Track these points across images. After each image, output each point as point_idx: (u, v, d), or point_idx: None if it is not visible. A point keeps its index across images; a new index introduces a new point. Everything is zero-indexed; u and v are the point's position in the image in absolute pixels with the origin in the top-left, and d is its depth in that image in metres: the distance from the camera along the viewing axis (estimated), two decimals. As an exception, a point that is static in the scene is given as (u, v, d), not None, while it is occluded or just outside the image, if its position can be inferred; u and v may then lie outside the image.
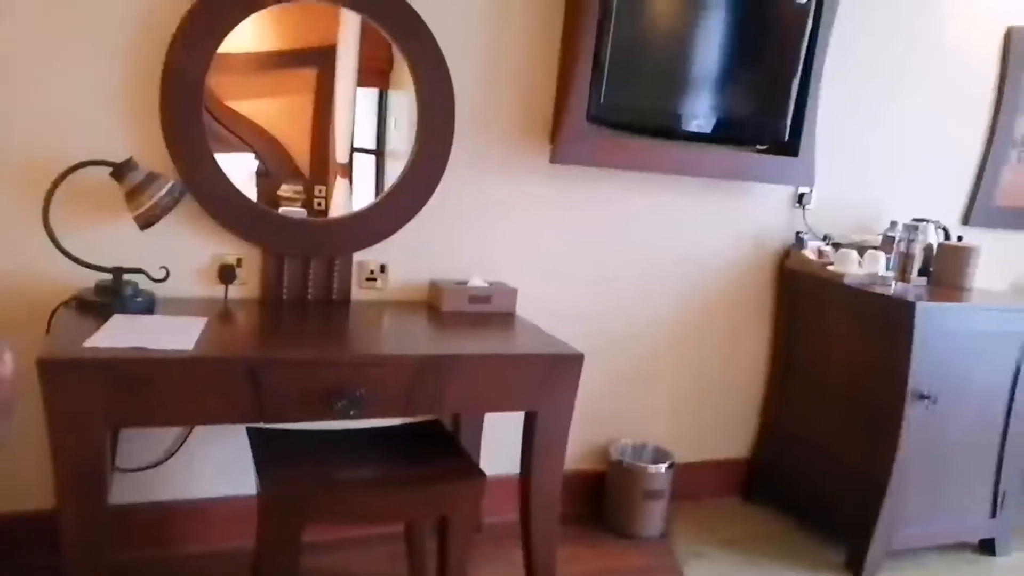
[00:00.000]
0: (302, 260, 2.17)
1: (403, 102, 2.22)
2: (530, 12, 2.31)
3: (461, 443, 2.15)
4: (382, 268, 2.30)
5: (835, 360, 2.64)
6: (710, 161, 2.55)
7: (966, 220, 3.17)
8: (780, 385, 2.88)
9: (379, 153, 2.27)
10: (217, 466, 2.26)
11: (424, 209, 2.27)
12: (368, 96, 2.22)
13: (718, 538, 2.66)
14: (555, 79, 2.38)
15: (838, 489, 2.61)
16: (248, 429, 1.94)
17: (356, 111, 2.20)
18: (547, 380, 1.91)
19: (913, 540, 2.56)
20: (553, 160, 2.35)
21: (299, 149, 2.17)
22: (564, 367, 1.92)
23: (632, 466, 2.58)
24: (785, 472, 2.84)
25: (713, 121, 2.50)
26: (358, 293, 2.27)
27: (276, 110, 2.12)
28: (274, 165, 2.15)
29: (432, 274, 2.35)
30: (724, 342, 2.85)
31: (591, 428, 2.69)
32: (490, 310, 2.28)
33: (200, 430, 2.21)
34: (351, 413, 1.71)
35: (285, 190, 2.16)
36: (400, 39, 2.15)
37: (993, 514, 2.69)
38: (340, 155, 2.21)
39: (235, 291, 2.14)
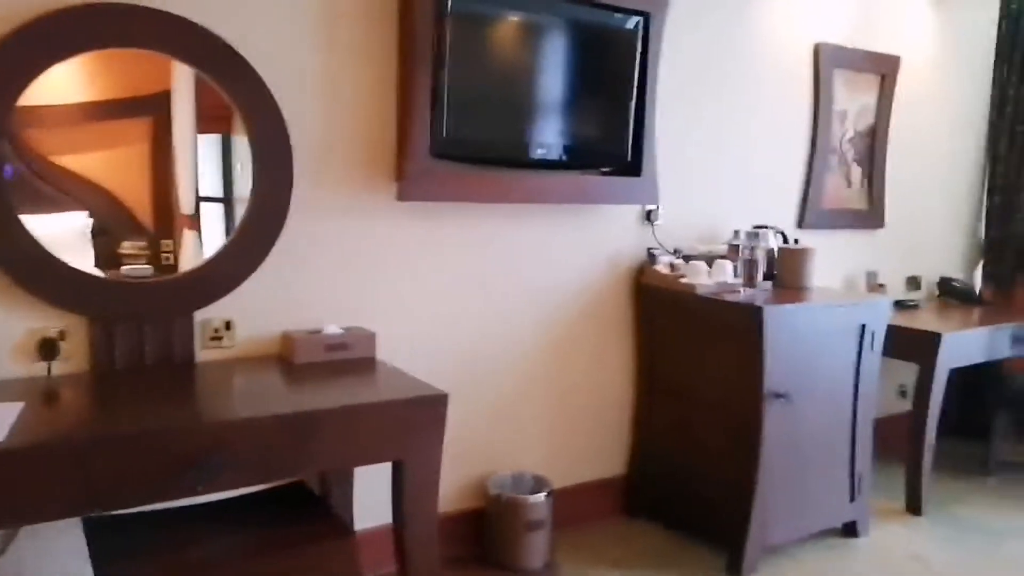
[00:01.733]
0: (135, 325, 2.00)
1: (248, 147, 2.10)
2: (363, 49, 2.26)
3: (329, 502, 2.04)
4: (227, 325, 2.15)
5: (695, 370, 2.72)
6: (558, 187, 2.58)
7: (800, 223, 3.38)
8: (648, 400, 2.94)
9: (227, 201, 2.14)
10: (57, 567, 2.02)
11: (268, 258, 2.16)
12: (210, 142, 2.11)
13: (604, 559, 2.66)
14: (395, 116, 2.33)
15: (712, 495, 2.67)
16: (84, 521, 1.74)
17: (198, 159, 2.08)
18: (412, 425, 1.84)
19: (784, 534, 2.66)
20: (400, 198, 2.30)
21: (139, 203, 2.02)
22: (429, 409, 1.86)
23: (511, 499, 2.53)
24: (662, 485, 2.89)
25: (558, 148, 2.54)
26: (203, 354, 2.12)
27: (110, 163, 1.97)
28: (111, 222, 1.98)
29: (283, 325, 2.23)
30: (590, 363, 2.87)
31: (466, 465, 2.63)
32: (348, 357, 2.19)
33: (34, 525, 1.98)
34: (199, 489, 1.58)
35: (127, 247, 2.00)
36: (225, 84, 2.04)
37: (852, 498, 2.84)
38: (185, 206, 2.07)
39: (60, 367, 1.94)
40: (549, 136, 2.52)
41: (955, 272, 4.11)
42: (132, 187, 2.00)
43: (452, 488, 2.58)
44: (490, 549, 2.58)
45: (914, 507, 3.10)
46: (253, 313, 2.19)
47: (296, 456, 1.70)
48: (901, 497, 3.14)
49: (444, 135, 2.30)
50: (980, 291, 4.03)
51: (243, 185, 2.13)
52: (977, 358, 3.21)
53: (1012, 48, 3.93)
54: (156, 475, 1.55)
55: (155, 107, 2.01)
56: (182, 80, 2.02)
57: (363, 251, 2.35)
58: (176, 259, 2.05)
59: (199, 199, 2.09)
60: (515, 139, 2.46)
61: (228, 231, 2.13)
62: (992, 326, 3.24)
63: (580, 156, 2.63)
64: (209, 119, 2.08)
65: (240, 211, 2.13)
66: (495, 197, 2.48)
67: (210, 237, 2.10)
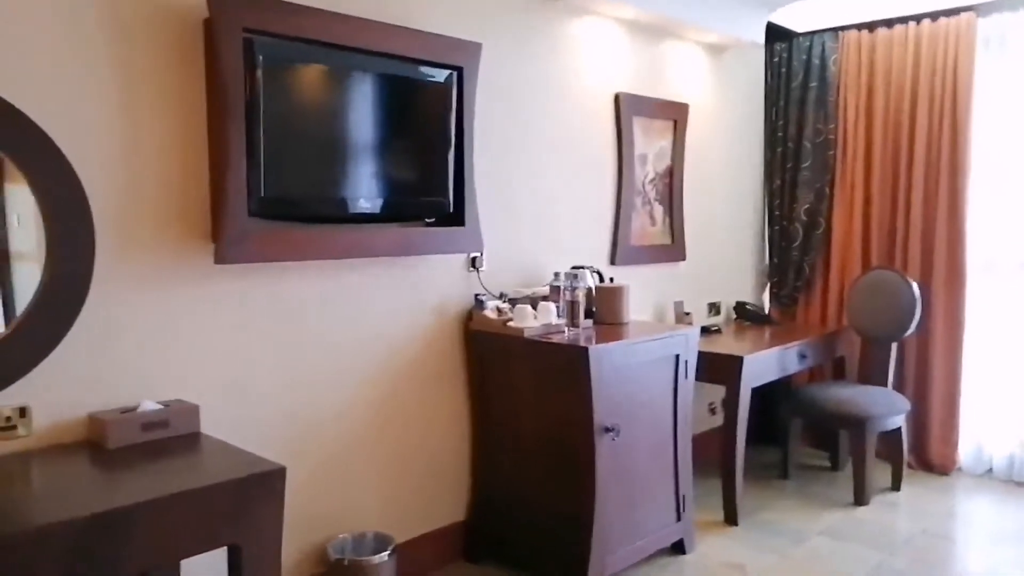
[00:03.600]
0: (-94, 424, 1.74)
1: (26, 197, 1.90)
2: (169, 105, 2.14)
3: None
4: (22, 412, 1.93)
5: (527, 411, 2.79)
6: (382, 240, 2.57)
7: (613, 260, 3.59)
8: (484, 443, 2.97)
9: (2, 257, 1.92)
10: None
11: (70, 334, 1.96)
12: None
13: (451, 610, 2.65)
14: (208, 174, 2.22)
15: (550, 532, 2.74)
16: None
17: None
18: (247, 505, 1.73)
19: (621, 561, 2.78)
20: (218, 260, 2.18)
21: None
22: (265, 485, 1.77)
23: (354, 562, 2.46)
24: (502, 527, 2.92)
25: (380, 201, 2.53)
26: (-6, 448, 1.88)
27: None
28: None
29: (91, 406, 2.04)
30: (424, 413, 2.86)
31: (304, 531, 2.52)
32: (170, 435, 2.03)
33: None
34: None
35: None
36: (12, 151, 1.85)
37: (679, 517, 3.03)
38: None
39: None
40: (369, 190, 2.51)
41: (748, 295, 4.54)
42: None
43: (291, 556, 2.46)
44: (334, 618, 2.48)
45: (731, 518, 3.36)
46: (54, 396, 1.98)
47: (112, 560, 1.54)
48: (718, 508, 3.40)
49: (262, 193, 2.23)
50: (769, 311, 4.48)
51: (21, 240, 1.92)
52: (773, 375, 3.55)
53: (777, 95, 4.44)
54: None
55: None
56: None
57: (180, 318, 2.20)
58: None
59: None
60: (335, 194, 2.43)
61: (4, 290, 1.91)
62: (782, 345, 3.61)
63: (402, 208, 2.64)
64: None
65: (19, 267, 1.92)
66: (317, 254, 2.42)
67: None
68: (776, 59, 4.43)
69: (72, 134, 1.96)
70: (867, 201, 4.20)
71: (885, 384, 3.86)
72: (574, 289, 2.90)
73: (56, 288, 1.93)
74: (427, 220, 2.74)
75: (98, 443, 1.96)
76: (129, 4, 2.06)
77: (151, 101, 2.11)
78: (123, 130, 2.06)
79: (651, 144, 3.75)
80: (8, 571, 1.41)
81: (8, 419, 1.91)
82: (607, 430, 2.63)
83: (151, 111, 2.11)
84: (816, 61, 4.26)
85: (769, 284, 4.60)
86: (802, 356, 3.74)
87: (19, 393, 1.91)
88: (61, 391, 1.99)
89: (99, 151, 2.02)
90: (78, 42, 1.98)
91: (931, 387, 3.98)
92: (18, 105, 1.85)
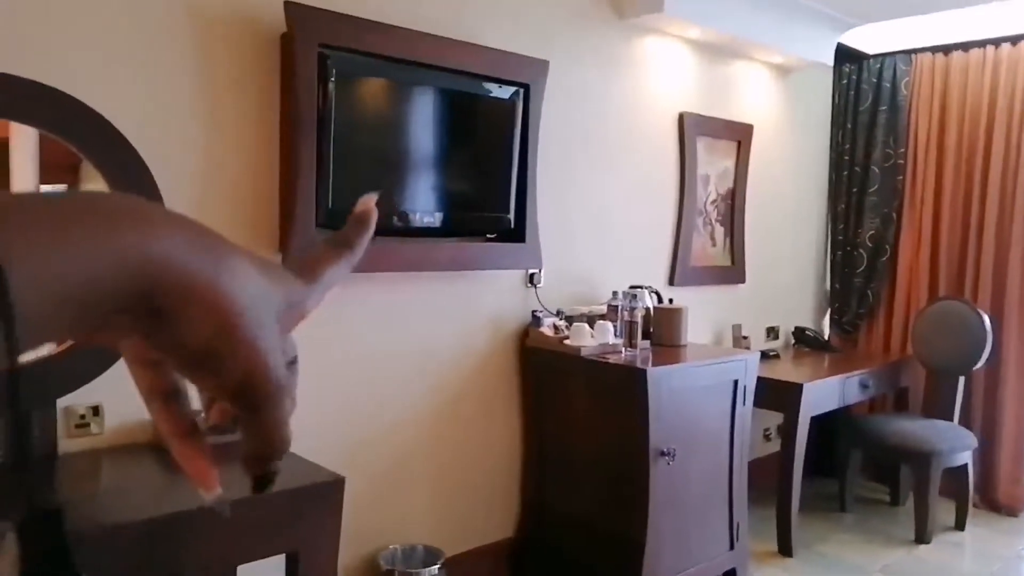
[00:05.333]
0: (-13, 418, 1.80)
1: None
2: (246, 118, 2.20)
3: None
4: (96, 410, 1.99)
5: (581, 430, 2.77)
6: (442, 254, 2.59)
7: (671, 281, 3.55)
8: (535, 462, 2.96)
9: None
10: None
11: (141, 337, 2.01)
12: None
13: (498, 628, 2.63)
14: (278, 186, 2.27)
15: (600, 554, 2.71)
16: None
17: None
18: (307, 514, 1.76)
19: (671, 588, 2.74)
20: (285, 270, 2.22)
21: None
22: (323, 495, 1.79)
23: (404, 573, 2.46)
24: (551, 545, 2.90)
25: (441, 216, 2.55)
26: (67, 444, 1.95)
27: None
28: None
29: (158, 408, 2.09)
30: (477, 427, 2.87)
31: (356, 543, 2.53)
32: (231, 440, 2.06)
33: None
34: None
35: None
36: (97, 157, 1.92)
37: (732, 546, 2.96)
38: None
39: None
40: (432, 204, 2.53)
41: (807, 321, 4.44)
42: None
43: (342, 567, 2.48)
44: (382, 629, 2.49)
45: (785, 550, 3.28)
46: (125, 396, 2.02)
47: (173, 561, 1.58)
48: (772, 538, 3.32)
49: (330, 205, 2.26)
50: (829, 338, 4.37)
51: None
52: (833, 405, 3.46)
53: (844, 118, 4.35)
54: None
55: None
56: (22, 128, 1.85)
57: (245, 325, 2.25)
58: None
59: None
60: (399, 208, 2.46)
61: None
62: (844, 374, 3.51)
63: (463, 223, 2.66)
64: (54, 169, 1.94)
65: None
66: (380, 267, 2.45)
67: None
68: (845, 81, 4.34)
69: (151, 140, 2.02)
70: (936, 228, 4.08)
71: (951, 418, 3.72)
72: (632, 309, 2.87)
73: (131, 292, 1.99)
74: (487, 235, 2.75)
75: (163, 445, 2.00)
76: (212, 18, 2.12)
77: (228, 112, 2.17)
78: (200, 139, 2.12)
79: (714, 164, 3.71)
80: (81, 564, 1.45)
81: (82, 417, 1.97)
82: (663, 454, 2.59)
83: (228, 122, 2.17)
84: (887, 84, 4.16)
85: (830, 310, 4.49)
86: (864, 386, 3.64)
87: (93, 392, 1.97)
88: (132, 392, 2.04)
89: (176, 158, 2.08)
90: (162, 52, 2.05)
91: (1001, 423, 3.83)
92: (100, 111, 1.92)
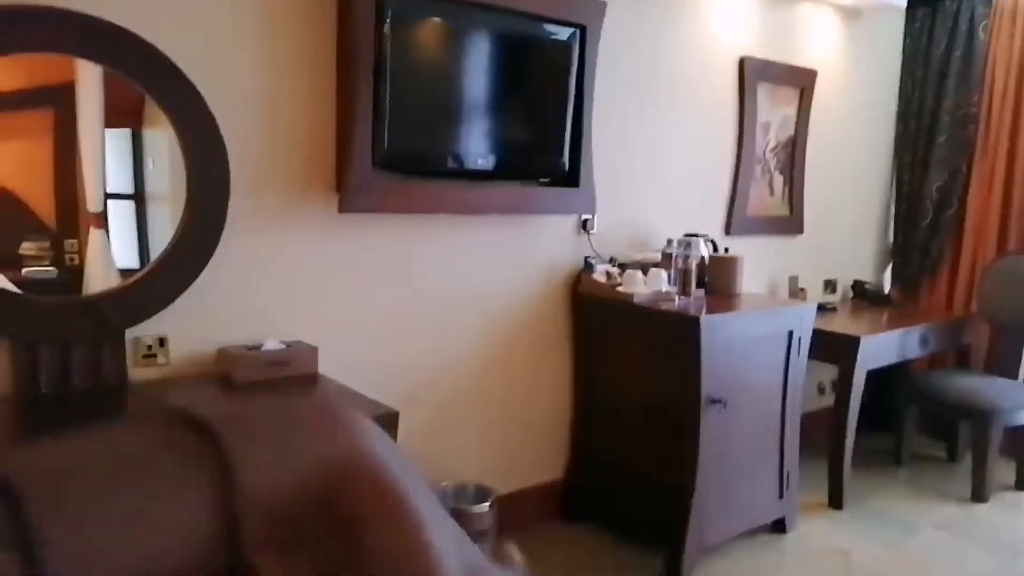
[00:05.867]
0: (61, 345, 1.89)
1: (161, 141, 2.01)
2: (302, 57, 2.21)
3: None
4: (161, 342, 2.07)
5: (632, 377, 2.78)
6: (496, 197, 2.58)
7: (727, 230, 3.49)
8: (585, 406, 2.98)
9: (138, 197, 2.05)
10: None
11: (204, 272, 2.08)
12: (119, 137, 2.00)
13: (544, 566, 2.68)
14: (335, 126, 2.29)
15: (648, 499, 2.73)
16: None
17: (105, 154, 1.96)
18: (362, 444, 1.80)
19: (719, 535, 2.75)
20: (341, 210, 2.26)
21: (40, 200, 1.91)
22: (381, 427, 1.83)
23: (456, 509, 2.52)
24: (599, 489, 2.93)
25: (495, 159, 2.54)
26: (136, 373, 2.03)
27: (6, 157, 1.84)
28: (9, 220, 1.86)
29: (221, 341, 2.16)
30: (530, 370, 2.89)
31: (409, 478, 2.60)
32: (290, 373, 2.13)
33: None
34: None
35: (27, 248, 1.88)
36: (160, 95, 1.96)
37: (781, 495, 2.95)
38: (92, 204, 1.96)
39: (-22, 392, 1.82)
40: (486, 147, 2.52)
41: (867, 275, 4.33)
42: (32, 183, 1.89)
43: (394, 501, 2.56)
44: (433, 561, 2.56)
45: (836, 502, 3.25)
46: (189, 329, 2.11)
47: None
48: (823, 491, 3.29)
49: (385, 146, 2.28)
50: (889, 292, 4.26)
51: (155, 182, 2.05)
52: (891, 359, 3.39)
53: (915, 64, 4.17)
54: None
55: (58, 99, 1.89)
56: (88, 71, 1.89)
57: (303, 263, 2.30)
58: (82, 259, 1.94)
59: (107, 196, 1.98)
60: (453, 150, 2.46)
61: (140, 229, 2.04)
62: (903, 329, 3.43)
63: (518, 167, 2.64)
64: (118, 113, 1.98)
65: (153, 208, 2.04)
66: (435, 208, 2.47)
67: (120, 236, 2.00)
68: (917, 24, 4.14)
69: (213, 81, 2.05)
70: (1008, 182, 3.90)
71: (1015, 376, 3.62)
72: (687, 257, 2.84)
73: (194, 228, 2.04)
74: (541, 180, 2.74)
75: (225, 376, 2.08)
76: (270, -43, 2.13)
77: (287, 53, 2.18)
78: (260, 80, 2.15)
79: (775, 111, 3.60)
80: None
81: (149, 347, 2.05)
82: (714, 402, 2.58)
83: (287, 63, 2.19)
84: (963, 28, 3.96)
85: (892, 264, 4.36)
86: (924, 341, 3.54)
87: (160, 324, 2.05)
88: (196, 325, 2.12)
89: (237, 99, 2.11)
90: (222, -7, 2.06)
91: (1067, 383, 3.70)
92: (166, 52, 1.95)
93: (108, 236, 1.99)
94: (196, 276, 2.06)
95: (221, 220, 2.09)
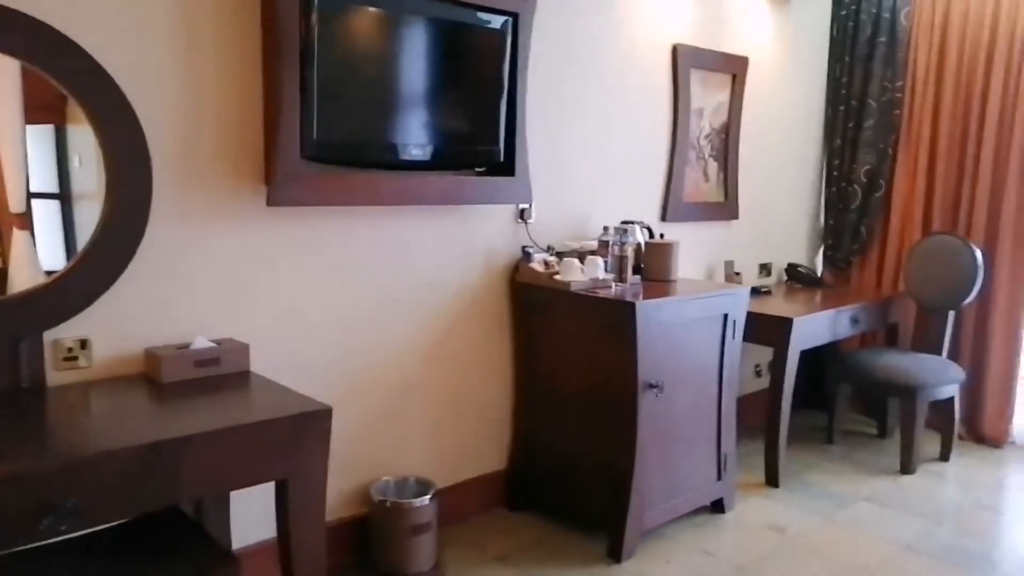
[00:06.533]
0: (-26, 350, 1.81)
1: (87, 138, 1.93)
2: (227, 45, 2.14)
3: (205, 526, 1.94)
4: (83, 344, 1.99)
5: (572, 364, 2.79)
6: (431, 188, 2.56)
7: (664, 217, 3.53)
8: (526, 395, 2.99)
9: (64, 197, 1.97)
10: None
11: (127, 271, 2.01)
12: (41, 134, 1.92)
13: (489, 556, 2.69)
14: (262, 116, 2.23)
15: (589, 484, 2.76)
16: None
17: (27, 152, 1.87)
18: (294, 443, 1.78)
19: (659, 516, 2.79)
20: (270, 203, 2.20)
21: None
22: (312, 425, 1.81)
23: (396, 504, 2.51)
24: (541, 477, 2.95)
25: (430, 149, 2.52)
26: (56, 377, 1.95)
27: None
28: None
29: (148, 341, 2.09)
30: (469, 362, 2.88)
31: (348, 472, 2.58)
32: (220, 372, 2.08)
33: None
34: (62, 529, 1.46)
35: None
36: (72, 86, 1.88)
37: (719, 476, 3.02)
38: (14, 204, 1.88)
39: None
40: (421, 137, 2.49)
41: (800, 258, 4.43)
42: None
43: (334, 495, 2.52)
44: (376, 556, 2.54)
45: (772, 480, 3.34)
46: (113, 330, 2.04)
47: (166, 487, 1.60)
48: (760, 469, 3.38)
49: (314, 137, 2.23)
50: (822, 274, 4.38)
51: (81, 180, 1.96)
52: (824, 339, 3.49)
53: (843, 49, 4.27)
54: (5, 522, 1.41)
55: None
56: (3, 67, 1.81)
57: (232, 259, 2.24)
58: (6, 260, 1.87)
59: (30, 196, 1.90)
60: (386, 140, 2.42)
61: (67, 230, 1.96)
62: (835, 309, 3.52)
63: (452, 156, 2.62)
64: (38, 108, 1.89)
65: (80, 208, 1.97)
66: (368, 200, 2.43)
67: (44, 237, 1.92)
68: (844, 12, 4.24)
69: (132, 74, 1.98)
70: (932, 163, 4.04)
71: (940, 352, 3.76)
72: (623, 244, 2.86)
73: (115, 224, 1.97)
74: (477, 169, 2.72)
75: (153, 377, 2.02)
76: (187, -58, 2.05)
77: (209, 43, 2.11)
78: (181, 71, 2.08)
79: (708, 98, 3.65)
80: (81, 488, 1.47)
81: (70, 350, 1.97)
82: (651, 386, 2.61)
83: (209, 53, 2.12)
84: (887, 15, 4.07)
85: (823, 246, 4.48)
86: (854, 321, 3.65)
87: (80, 325, 1.97)
88: (119, 325, 2.05)
89: (158, 92, 2.04)
90: (137, -20, 1.99)
91: (988, 357, 3.87)
92: (83, 45, 1.87)
93: (33, 237, 1.91)
94: (118, 275, 1.99)
95: (143, 216, 2.02)
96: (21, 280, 1.88)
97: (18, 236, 1.89)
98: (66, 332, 1.96)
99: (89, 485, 1.49)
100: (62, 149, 1.95)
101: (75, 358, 1.98)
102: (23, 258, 1.90)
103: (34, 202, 1.91)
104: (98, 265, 1.96)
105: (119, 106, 1.95)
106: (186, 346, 2.09)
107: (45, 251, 1.93)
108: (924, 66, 4.02)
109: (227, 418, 1.75)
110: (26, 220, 1.90)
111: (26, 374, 1.89)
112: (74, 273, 1.93)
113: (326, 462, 1.83)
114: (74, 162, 1.97)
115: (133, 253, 2.01)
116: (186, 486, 1.63)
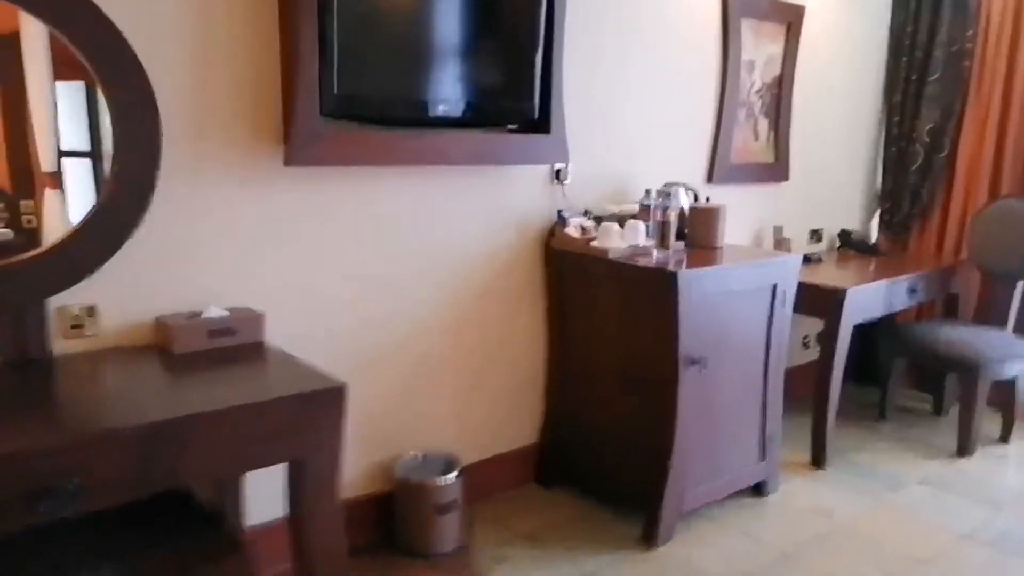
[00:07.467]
0: (-27, 318, 1.72)
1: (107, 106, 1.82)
2: (242, 4, 1.99)
3: (217, 506, 1.85)
4: (90, 311, 1.89)
5: (608, 337, 2.63)
6: (461, 147, 2.39)
7: (709, 178, 3.31)
8: (559, 367, 2.84)
9: (95, 156, 1.86)
10: None
11: (136, 233, 1.89)
12: (72, 91, 1.82)
13: (517, 534, 2.58)
14: (279, 71, 2.08)
15: (625, 463, 2.62)
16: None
17: (57, 109, 1.79)
18: (308, 422, 1.66)
19: (698, 498, 2.65)
20: (288, 163, 2.06)
21: None
22: (325, 403, 1.68)
23: (421, 482, 2.40)
24: (574, 452, 2.82)
25: (461, 105, 2.34)
26: (62, 346, 1.86)
27: None
28: None
29: (158, 309, 1.99)
30: (499, 332, 2.74)
31: (372, 448, 2.47)
32: (235, 343, 1.97)
33: None
34: (62, 512, 1.36)
35: None
36: (74, 36, 1.75)
37: (763, 457, 2.85)
38: (45, 163, 1.80)
39: None
40: (450, 92, 2.32)
41: (854, 223, 4.18)
42: (-21, 142, 1.71)
43: (357, 471, 2.43)
44: (399, 535, 2.45)
45: (818, 460, 3.16)
46: (122, 297, 1.93)
47: (174, 467, 1.50)
48: (805, 447, 3.20)
49: (335, 92, 2.07)
50: (876, 241, 4.12)
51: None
52: (878, 312, 3.26)
53: (908, -3, 3.94)
54: (3, 504, 1.32)
55: (1, 51, 1.71)
56: (31, 22, 1.72)
57: (247, 222, 2.11)
58: (39, 221, 1.80)
59: (60, 154, 1.81)
60: (413, 95, 2.25)
61: (97, 189, 1.86)
62: (889, 279, 3.29)
63: (484, 113, 2.44)
64: (69, 65, 1.79)
65: (110, 166, 1.87)
66: (393, 160, 2.27)
67: (76, 195, 1.84)
68: (911, -44, 3.91)
69: (138, 24, 1.84)
70: (1003, 122, 3.73)
71: (1004, 326, 3.51)
72: (665, 208, 2.66)
73: (122, 188, 1.85)
74: (509, 127, 2.54)
75: (164, 347, 1.92)
76: None
77: (218, -12, 1.96)
78: (194, 26, 1.93)
79: (760, 50, 3.40)
80: (83, 468, 1.37)
81: (76, 317, 1.87)
82: (693, 362, 2.45)
83: (223, 5, 1.96)
84: (959, -43, 3.73)
85: (880, 211, 4.21)
86: (912, 291, 3.42)
87: (87, 292, 1.87)
88: (129, 292, 1.94)
89: (169, 48, 1.90)
90: (140, -81, 1.83)
91: (1057, 332, 3.61)
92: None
93: (64, 196, 1.83)
94: (126, 238, 1.88)
95: (151, 176, 1.89)
96: (54, 240, 1.81)
97: (50, 195, 1.82)
98: (73, 299, 1.86)
99: (89, 466, 1.39)
100: (93, 106, 1.85)
101: (82, 326, 1.88)
102: (55, 218, 1.82)
103: (65, 160, 1.83)
104: (105, 227, 1.85)
105: (125, 58, 1.81)
106: (198, 314, 1.98)
107: (76, 210, 1.84)
108: (999, 13, 3.68)
109: (236, 395, 1.63)
110: (57, 179, 1.82)
111: (32, 344, 1.80)
112: (81, 235, 1.82)
113: (341, 440, 1.71)
114: (105, 121, 1.86)
115: (141, 216, 1.89)
116: (192, 468, 1.52)
